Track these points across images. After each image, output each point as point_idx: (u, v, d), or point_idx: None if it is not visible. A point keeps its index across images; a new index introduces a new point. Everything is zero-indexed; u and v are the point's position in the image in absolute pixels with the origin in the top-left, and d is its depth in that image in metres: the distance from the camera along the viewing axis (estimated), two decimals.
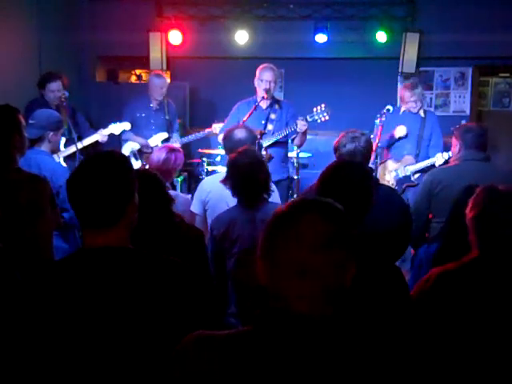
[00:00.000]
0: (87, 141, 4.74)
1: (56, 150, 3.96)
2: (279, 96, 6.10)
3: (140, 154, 5.44)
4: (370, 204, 2.18)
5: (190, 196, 4.28)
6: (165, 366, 1.27)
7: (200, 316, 1.69)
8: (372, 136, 4.35)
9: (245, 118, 4.48)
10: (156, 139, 5.42)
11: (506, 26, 6.02)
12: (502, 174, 3.50)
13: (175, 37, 6.68)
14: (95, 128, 5.25)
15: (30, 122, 3.54)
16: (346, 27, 6.47)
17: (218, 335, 1.24)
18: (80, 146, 4.46)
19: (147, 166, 4.52)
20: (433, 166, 4.66)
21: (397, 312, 1.96)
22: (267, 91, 4.66)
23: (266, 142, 4.54)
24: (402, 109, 5.12)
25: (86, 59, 7.04)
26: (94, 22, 6.81)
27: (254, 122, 4.42)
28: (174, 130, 5.61)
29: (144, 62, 6.93)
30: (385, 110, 4.71)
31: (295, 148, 5.43)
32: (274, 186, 3.19)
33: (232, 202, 3.14)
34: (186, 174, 6.18)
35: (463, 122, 6.56)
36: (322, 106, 4.60)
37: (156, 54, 6.77)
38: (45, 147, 3.61)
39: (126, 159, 1.74)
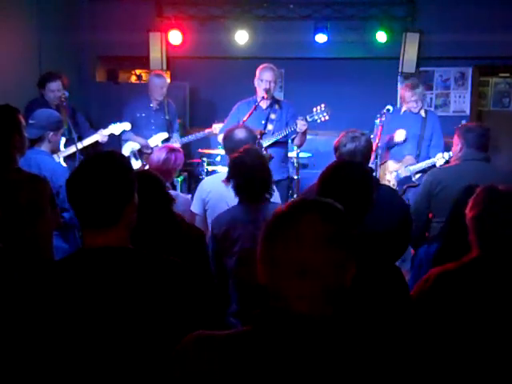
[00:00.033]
0: (87, 141, 4.73)
1: (56, 150, 3.96)
2: (279, 96, 6.10)
3: (140, 154, 5.44)
4: (370, 204, 2.18)
5: (189, 196, 4.28)
6: (165, 366, 1.27)
7: (200, 316, 1.69)
8: (372, 136, 4.35)
9: (245, 118, 4.48)
10: (156, 139, 5.42)
11: (506, 26, 6.02)
12: (501, 174, 3.50)
13: (175, 37, 6.68)
14: (95, 128, 5.24)
15: (30, 122, 3.54)
16: (346, 27, 6.47)
17: (217, 335, 1.24)
18: (80, 146, 4.46)
19: (147, 166, 4.52)
20: (434, 166, 4.64)
21: (397, 312, 1.96)
22: (267, 91, 4.66)
23: (266, 142, 4.55)
24: (403, 109, 5.11)
25: (86, 59, 7.04)
26: (94, 21, 6.82)
27: (253, 122, 4.42)
28: (174, 130, 5.61)
29: (144, 62, 6.93)
30: (385, 110, 4.71)
31: (295, 148, 5.43)
32: (273, 186, 3.19)
33: (232, 201, 3.14)
34: (185, 173, 6.18)
35: (463, 121, 6.55)
36: (322, 106, 4.60)
37: (156, 54, 6.78)
38: (45, 147, 3.61)
39: (126, 159, 1.74)
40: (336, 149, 3.13)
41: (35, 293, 1.57)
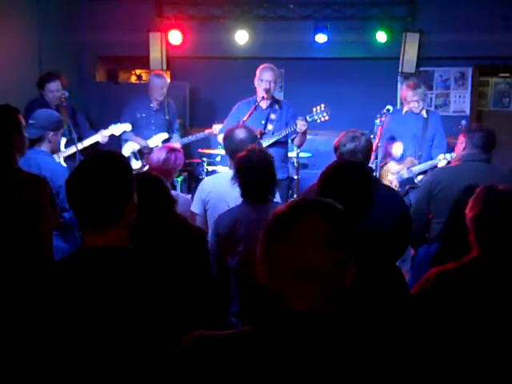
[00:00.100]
0: (88, 141, 4.73)
1: (56, 150, 3.96)
2: (279, 96, 6.10)
3: (140, 154, 5.44)
4: (370, 204, 2.18)
5: (189, 196, 4.28)
6: (165, 366, 1.27)
7: (200, 316, 1.69)
8: (372, 136, 4.35)
9: (245, 118, 4.48)
10: (156, 140, 5.42)
11: (506, 26, 6.02)
12: (501, 174, 3.49)
13: (175, 37, 6.69)
14: (95, 128, 5.24)
15: (30, 122, 3.54)
16: (346, 27, 6.47)
17: (218, 335, 1.24)
18: (80, 146, 4.46)
19: (147, 166, 4.52)
20: (435, 167, 4.62)
21: (397, 312, 1.96)
22: (267, 91, 4.66)
23: (265, 142, 4.54)
24: (405, 109, 5.08)
25: (86, 59, 7.04)
26: (94, 22, 6.82)
27: (253, 122, 4.42)
28: (174, 130, 5.61)
29: (144, 62, 6.94)
30: (385, 110, 4.70)
31: (295, 148, 5.42)
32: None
33: (232, 201, 3.14)
34: (185, 173, 6.18)
35: (463, 122, 6.56)
36: (322, 106, 4.60)
37: (156, 54, 6.78)
38: (45, 147, 3.61)
39: (125, 159, 1.74)
40: (336, 149, 3.13)
41: (35, 293, 1.57)
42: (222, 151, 4.54)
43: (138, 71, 8.00)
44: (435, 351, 1.91)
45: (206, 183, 3.57)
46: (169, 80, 5.86)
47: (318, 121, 4.62)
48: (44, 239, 2.90)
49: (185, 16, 6.80)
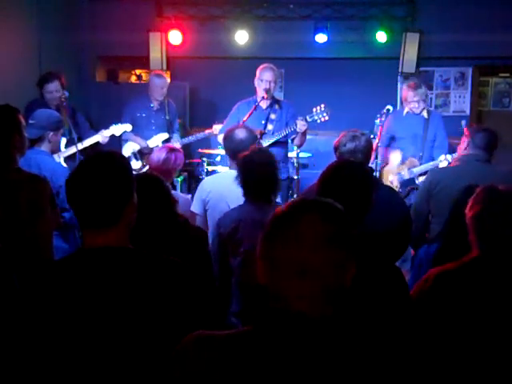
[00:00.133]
0: (88, 141, 4.73)
1: (56, 150, 3.96)
2: (279, 96, 6.10)
3: (140, 154, 5.44)
4: (370, 204, 2.18)
5: (189, 196, 4.28)
6: (165, 366, 1.27)
7: (200, 316, 1.69)
8: (372, 136, 4.34)
9: (245, 118, 4.48)
10: (156, 140, 5.41)
11: (506, 26, 6.02)
12: (501, 174, 3.49)
13: (175, 37, 6.69)
14: (95, 128, 5.24)
15: (30, 122, 3.54)
16: (346, 27, 6.47)
17: (218, 335, 1.24)
18: (80, 146, 4.46)
19: (147, 167, 4.52)
20: (437, 167, 4.60)
21: (396, 312, 1.96)
22: (267, 91, 4.66)
23: (265, 142, 4.55)
24: (406, 110, 5.07)
25: (86, 59, 7.04)
26: (94, 21, 6.82)
27: (253, 122, 4.42)
28: (174, 130, 5.61)
29: (144, 62, 6.93)
30: (385, 110, 4.70)
31: (295, 148, 5.42)
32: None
33: (232, 201, 3.14)
34: (185, 174, 6.18)
35: (463, 122, 6.55)
36: (322, 106, 4.60)
37: (156, 54, 6.78)
38: (45, 147, 3.61)
39: (125, 159, 1.74)
40: (336, 148, 3.13)
41: (35, 293, 1.57)
42: (222, 151, 4.54)
43: (138, 71, 8.00)
44: (435, 351, 1.91)
45: (206, 183, 3.57)
46: (169, 80, 5.86)
47: (318, 121, 4.62)
48: (44, 239, 2.90)
49: (185, 16, 6.80)
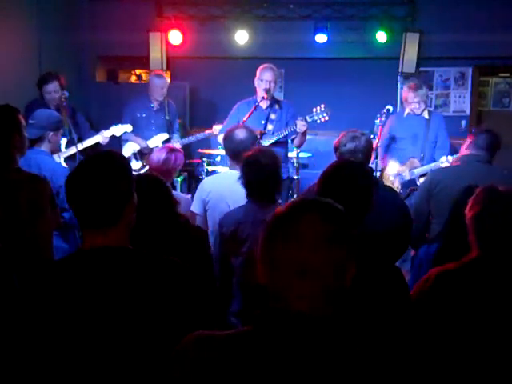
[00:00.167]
0: (88, 142, 4.73)
1: (56, 150, 3.96)
2: (279, 96, 6.10)
3: (140, 154, 5.44)
4: (370, 204, 2.18)
5: (189, 196, 4.28)
6: (165, 366, 1.27)
7: (200, 316, 1.69)
8: (372, 136, 4.34)
9: (245, 118, 4.48)
10: (156, 140, 5.41)
11: (506, 26, 6.02)
12: (501, 174, 3.49)
13: (175, 37, 6.69)
14: (95, 128, 5.24)
15: (30, 122, 3.54)
16: (346, 27, 6.47)
17: (217, 335, 1.24)
18: (81, 147, 4.46)
19: (147, 167, 4.52)
20: None
21: (396, 312, 1.96)
22: (267, 91, 4.66)
23: (266, 142, 4.54)
24: (407, 111, 5.07)
25: (86, 59, 7.04)
26: (94, 21, 6.82)
27: (253, 122, 4.42)
28: (174, 130, 5.60)
29: (144, 62, 6.93)
30: (385, 110, 4.70)
31: (295, 148, 5.42)
32: None
33: (232, 202, 3.14)
34: (185, 174, 6.18)
35: (463, 122, 6.57)
36: (322, 106, 4.60)
37: (156, 54, 6.78)
38: (45, 147, 3.61)
39: (125, 159, 1.74)
40: (336, 148, 3.13)
41: (35, 293, 1.57)
42: (222, 151, 4.54)
43: (138, 71, 8.00)
44: (435, 352, 1.91)
45: (206, 183, 3.57)
46: (169, 80, 5.86)
47: (318, 121, 4.62)
48: (44, 239, 2.90)
49: (185, 16, 6.80)
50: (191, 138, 5.54)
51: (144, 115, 5.48)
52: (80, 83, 6.76)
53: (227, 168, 3.76)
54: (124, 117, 5.37)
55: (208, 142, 6.33)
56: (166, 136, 5.45)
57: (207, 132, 5.45)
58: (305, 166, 6.06)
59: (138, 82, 7.96)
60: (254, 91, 4.81)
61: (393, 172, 4.88)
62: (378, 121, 4.64)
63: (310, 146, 5.74)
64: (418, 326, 1.97)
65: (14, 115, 2.95)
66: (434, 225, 3.48)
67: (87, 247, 1.60)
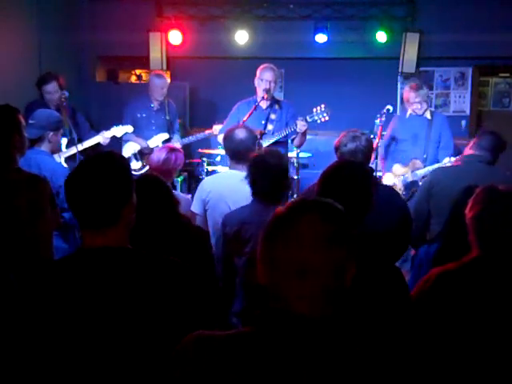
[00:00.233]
0: (89, 142, 4.73)
1: (56, 150, 3.96)
2: (279, 96, 6.10)
3: (140, 154, 5.44)
4: (371, 204, 2.18)
5: (190, 196, 4.28)
6: (165, 366, 1.27)
7: (201, 316, 1.69)
8: (372, 136, 4.34)
9: (245, 118, 4.48)
10: (156, 140, 5.41)
11: (506, 26, 6.02)
12: (501, 175, 3.49)
13: (175, 37, 6.68)
14: (95, 128, 5.24)
15: (30, 122, 3.54)
16: (346, 27, 6.47)
17: (218, 335, 1.24)
18: (81, 147, 4.46)
19: (147, 167, 4.52)
20: None
21: (397, 312, 1.96)
22: (267, 91, 4.66)
23: (265, 142, 4.54)
24: (409, 112, 5.06)
25: (86, 59, 7.04)
26: (94, 22, 6.82)
27: (253, 122, 4.42)
28: (174, 130, 5.60)
29: (144, 62, 6.93)
30: (385, 110, 4.70)
31: (295, 148, 5.42)
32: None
33: (232, 201, 3.14)
34: (185, 174, 6.18)
35: (463, 122, 6.57)
36: (322, 106, 4.60)
37: (156, 54, 6.77)
38: (45, 147, 3.61)
39: (124, 159, 1.74)
40: (337, 149, 3.13)
41: (34, 292, 1.57)
42: (222, 151, 4.54)
43: (138, 71, 8.00)
44: (435, 352, 1.91)
45: (206, 183, 3.57)
46: (169, 80, 5.86)
47: (319, 121, 4.62)
48: (44, 239, 2.90)
49: (185, 16, 6.80)
50: (191, 138, 5.54)
51: (144, 115, 5.48)
52: (80, 83, 6.76)
53: (227, 168, 3.76)
54: (124, 117, 5.38)
55: (208, 142, 6.32)
56: (166, 136, 5.45)
57: (207, 132, 5.45)
58: (305, 166, 6.06)
59: (138, 82, 7.96)
60: (254, 91, 4.81)
61: (398, 174, 4.86)
62: (377, 121, 4.63)
63: (310, 146, 5.74)
64: (419, 326, 1.97)
65: (14, 115, 2.95)
66: (433, 225, 3.48)
67: (87, 247, 1.60)
